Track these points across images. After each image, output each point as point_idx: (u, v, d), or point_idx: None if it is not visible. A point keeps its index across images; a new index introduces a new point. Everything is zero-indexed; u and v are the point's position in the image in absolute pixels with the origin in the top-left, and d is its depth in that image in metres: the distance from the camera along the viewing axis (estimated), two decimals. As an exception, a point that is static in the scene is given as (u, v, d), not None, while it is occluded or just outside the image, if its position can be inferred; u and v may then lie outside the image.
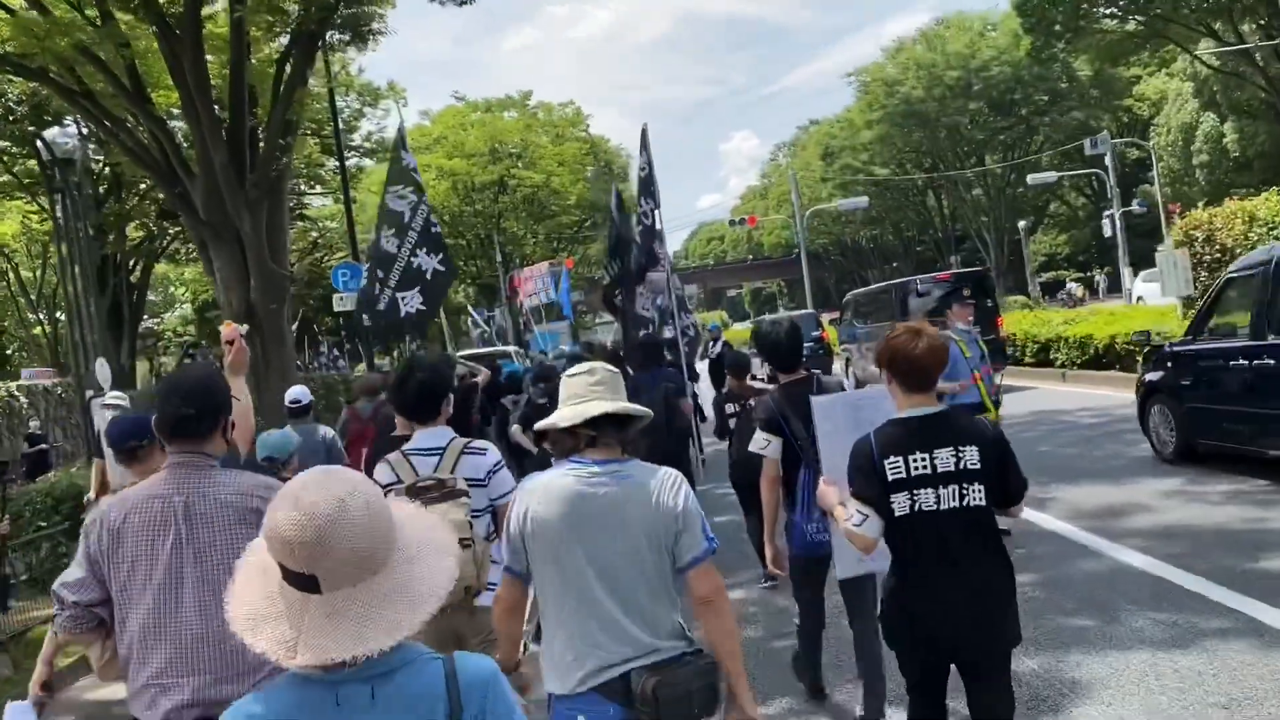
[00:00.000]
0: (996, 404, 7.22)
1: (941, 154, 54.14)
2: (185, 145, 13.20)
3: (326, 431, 7.79)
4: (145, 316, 38.13)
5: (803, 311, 28.91)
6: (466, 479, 3.59)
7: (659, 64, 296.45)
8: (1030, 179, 37.84)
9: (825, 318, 24.80)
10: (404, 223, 8.73)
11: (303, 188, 27.36)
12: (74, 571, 2.72)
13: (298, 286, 35.31)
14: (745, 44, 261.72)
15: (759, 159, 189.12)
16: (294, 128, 13.35)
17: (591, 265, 62.23)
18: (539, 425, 2.81)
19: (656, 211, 10.33)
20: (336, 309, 18.18)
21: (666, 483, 2.66)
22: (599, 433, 2.65)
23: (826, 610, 4.70)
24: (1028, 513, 5.49)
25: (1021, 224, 48.66)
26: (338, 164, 26.15)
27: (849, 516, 3.09)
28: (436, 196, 42.40)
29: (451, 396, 3.93)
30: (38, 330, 35.51)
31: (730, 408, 7.22)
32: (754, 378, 7.64)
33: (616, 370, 2.83)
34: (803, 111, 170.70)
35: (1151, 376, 9.48)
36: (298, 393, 7.84)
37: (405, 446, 3.75)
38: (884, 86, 51.97)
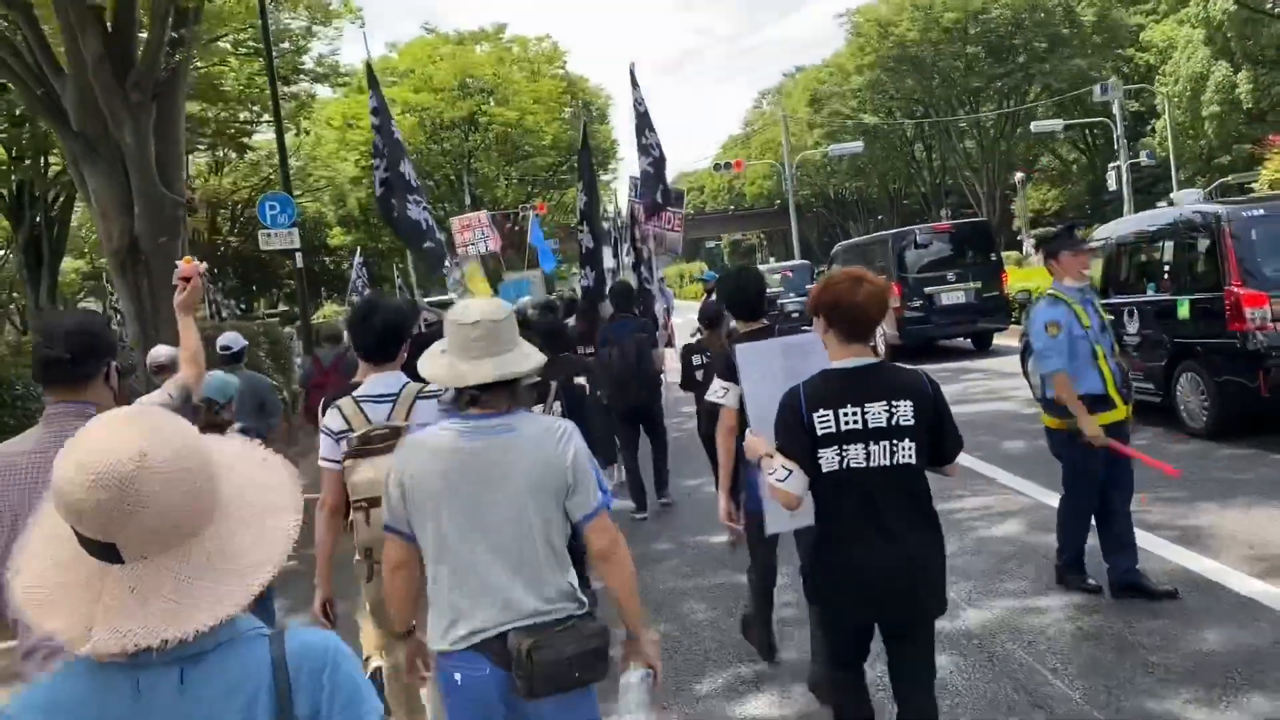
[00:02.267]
0: (1126, 398, 5.18)
1: (934, 102, 51.94)
2: (55, 41, 10.87)
3: (260, 380, 7.78)
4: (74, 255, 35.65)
5: (796, 263, 26.83)
6: (421, 424, 3.20)
7: (640, 12, 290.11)
8: (1034, 126, 35.77)
9: (819, 270, 22.73)
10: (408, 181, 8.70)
11: (243, 115, 24.87)
12: None
13: (243, 227, 33.28)
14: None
15: (739, 113, 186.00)
16: (192, 15, 11.03)
17: (568, 212, 59.99)
18: (424, 373, 2.67)
19: (659, 144, 10.15)
20: (264, 247, 16.05)
21: (553, 435, 2.56)
22: (480, 392, 2.54)
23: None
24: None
25: (1018, 175, 46.63)
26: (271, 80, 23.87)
27: (773, 471, 2.96)
28: (402, 132, 39.88)
29: (407, 341, 3.70)
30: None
31: (697, 359, 7.10)
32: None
33: (504, 315, 2.61)
34: (790, 62, 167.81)
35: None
36: (229, 339, 7.65)
37: (357, 392, 3.58)
38: (877, 28, 49.51)
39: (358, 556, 3.52)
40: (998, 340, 16.28)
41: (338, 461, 3.47)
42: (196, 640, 1.28)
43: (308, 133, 28.70)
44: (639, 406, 7.77)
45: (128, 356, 11.07)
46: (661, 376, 8.26)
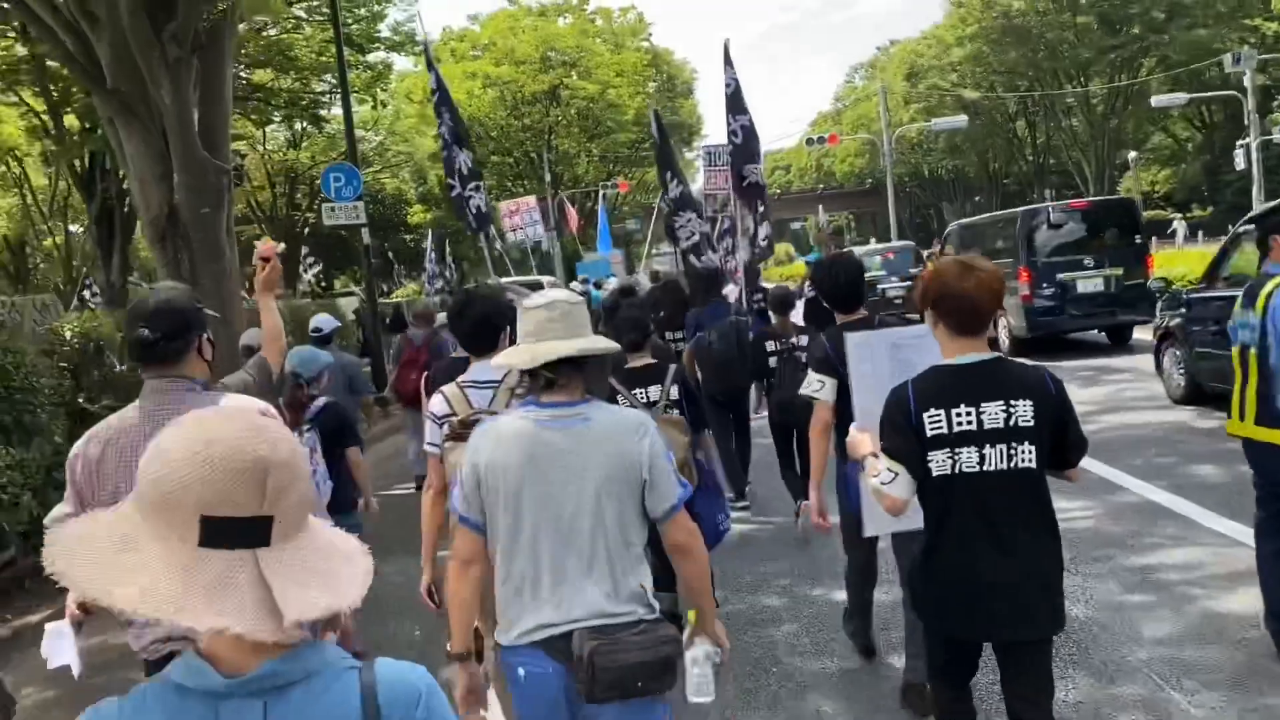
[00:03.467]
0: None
1: (1039, 76, 48.97)
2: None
3: (350, 359, 7.97)
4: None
5: (899, 244, 24.91)
6: None
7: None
8: (1154, 100, 32.97)
9: (927, 253, 20.87)
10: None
11: (318, 87, 23.92)
12: (63, 507, 2.70)
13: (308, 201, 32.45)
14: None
15: (827, 89, 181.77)
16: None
17: (650, 191, 58.53)
18: (495, 361, 2.85)
19: (750, 125, 9.75)
20: (327, 222, 14.95)
21: (632, 427, 2.51)
22: (556, 374, 2.51)
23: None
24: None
25: (1132, 155, 43.69)
26: (348, 52, 22.85)
27: (877, 473, 2.78)
28: (483, 107, 38.85)
29: (506, 330, 3.62)
30: (48, 243, 32.87)
31: (770, 346, 6.94)
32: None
33: (578, 300, 2.65)
34: (877, 36, 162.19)
35: (1168, 322, 9.90)
36: (320, 320, 7.85)
37: (461, 378, 3.59)
38: (981, -3, 46.75)
39: (443, 553, 3.33)
40: (1137, 334, 14.35)
41: (439, 446, 3.45)
42: (279, 666, 1.19)
43: (384, 105, 27.64)
44: (734, 392, 7.43)
45: None
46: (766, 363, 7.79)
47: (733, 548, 6.15)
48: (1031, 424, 2.68)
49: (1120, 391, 10.84)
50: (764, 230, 9.57)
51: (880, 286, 19.67)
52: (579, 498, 2.44)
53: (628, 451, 2.46)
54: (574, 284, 22.73)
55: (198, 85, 9.74)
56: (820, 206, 52.43)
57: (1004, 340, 14.61)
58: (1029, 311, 13.66)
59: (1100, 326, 14.41)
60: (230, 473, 1.14)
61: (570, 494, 2.44)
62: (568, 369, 2.50)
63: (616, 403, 4.28)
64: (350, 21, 23.15)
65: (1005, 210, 18.78)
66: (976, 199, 68.73)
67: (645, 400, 4.70)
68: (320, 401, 5.04)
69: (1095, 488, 6.90)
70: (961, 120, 35.72)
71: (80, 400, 7.92)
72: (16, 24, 13.50)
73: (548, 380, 2.51)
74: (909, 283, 20.86)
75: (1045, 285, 13.60)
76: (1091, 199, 17.86)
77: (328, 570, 1.21)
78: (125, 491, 2.14)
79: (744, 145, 9.69)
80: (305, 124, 28.67)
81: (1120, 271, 13.58)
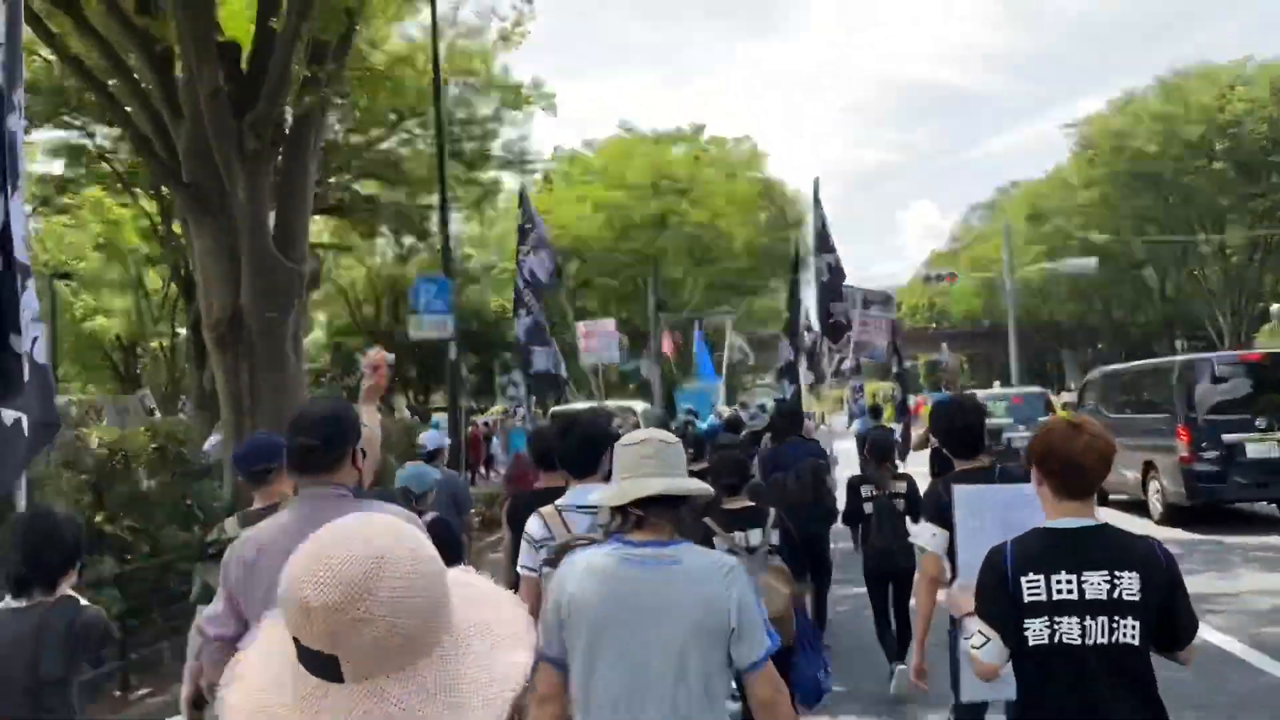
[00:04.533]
0: None
1: (1171, 222, 46.87)
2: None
3: (455, 476, 7.94)
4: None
5: (1027, 389, 23.12)
6: None
7: (843, 126, 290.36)
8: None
9: (1059, 400, 19.09)
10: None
11: (427, 200, 23.85)
12: (215, 605, 2.77)
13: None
14: (933, 112, 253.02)
15: (937, 229, 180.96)
16: (332, 51, 9.18)
17: (756, 322, 57.62)
18: (591, 499, 2.91)
19: (836, 264, 9.94)
20: (413, 334, 14.21)
21: (720, 572, 2.46)
22: (646, 512, 2.50)
23: None
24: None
25: (1275, 307, 40.93)
26: (458, 168, 22.74)
27: (969, 635, 2.69)
28: (591, 230, 38.78)
29: (608, 453, 3.51)
30: (155, 345, 33.44)
31: (866, 490, 6.79)
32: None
33: (674, 440, 2.65)
34: (988, 183, 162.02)
35: None
36: (427, 437, 7.92)
37: (560, 501, 3.61)
38: (1111, 139, 45.33)
39: None
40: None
41: (535, 569, 3.42)
42: None
43: (493, 223, 27.58)
44: (811, 537, 6.91)
45: (202, 455, 9.28)
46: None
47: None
48: (1137, 598, 2.55)
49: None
50: (848, 363, 10.28)
51: (1006, 435, 17.94)
52: (661, 643, 2.37)
53: (715, 597, 2.40)
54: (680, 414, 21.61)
55: (277, 181, 9.11)
56: (945, 345, 50.85)
57: (1157, 507, 12.75)
58: (1188, 476, 11.85)
59: (1274, 499, 12.45)
60: (284, 603, 1.14)
61: (652, 639, 2.37)
62: (658, 508, 2.48)
63: (712, 545, 4.08)
64: (462, 138, 23.16)
65: (1158, 359, 16.99)
66: (1099, 346, 65.84)
67: (745, 545, 4.46)
68: (428, 516, 4.93)
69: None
70: (1091, 263, 33.95)
71: (99, 520, 7.00)
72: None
73: (638, 518, 2.49)
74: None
75: (1208, 447, 11.80)
76: (1265, 350, 15.83)
77: (426, 716, 1.12)
78: (276, 594, 2.13)
79: (830, 283, 10.00)
80: (413, 239, 28.80)
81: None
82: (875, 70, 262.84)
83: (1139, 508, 13.42)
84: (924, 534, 3.96)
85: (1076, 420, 2.77)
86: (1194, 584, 9.46)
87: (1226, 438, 11.74)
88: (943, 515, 3.83)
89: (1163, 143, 43.61)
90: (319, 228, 29.61)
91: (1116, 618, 2.54)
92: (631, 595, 2.40)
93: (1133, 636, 2.54)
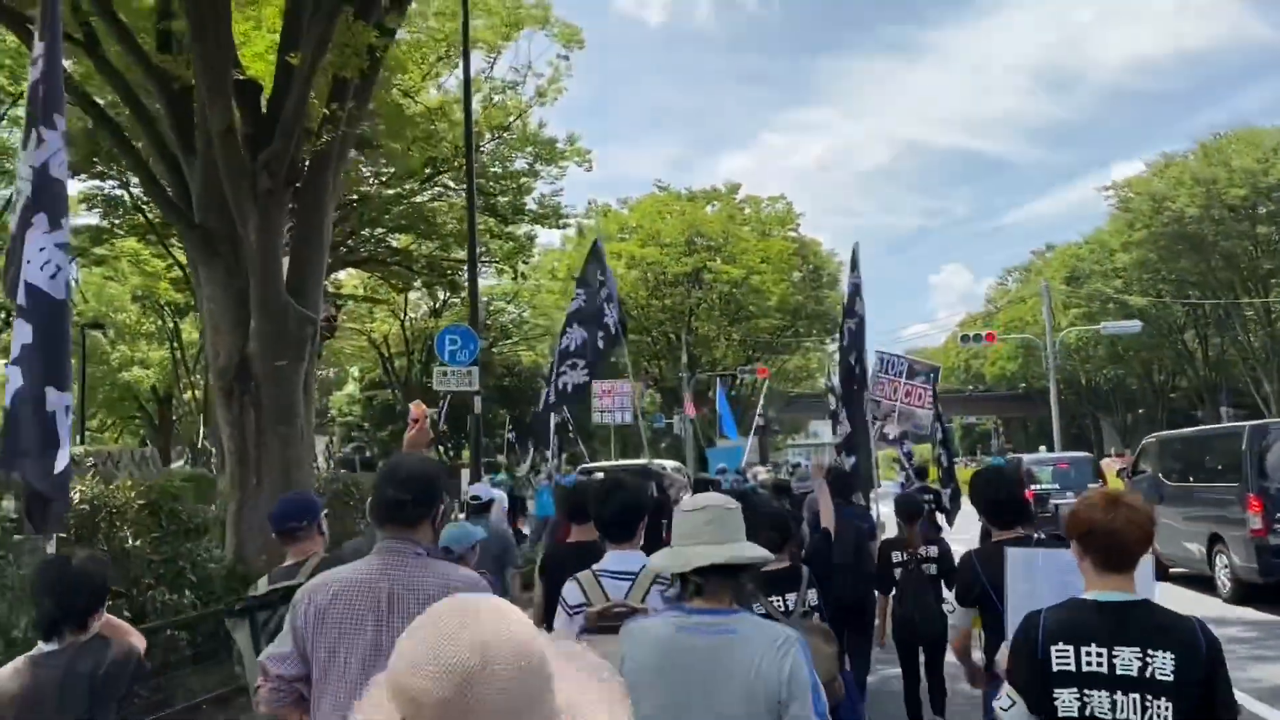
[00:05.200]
0: None
1: (1213, 285, 45.90)
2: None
3: (504, 531, 7.94)
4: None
5: (1073, 454, 22.25)
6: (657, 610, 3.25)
7: (875, 192, 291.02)
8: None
9: (1110, 465, 18.22)
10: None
11: (457, 253, 23.59)
12: (281, 645, 2.76)
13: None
14: (966, 178, 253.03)
15: (969, 294, 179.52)
16: (353, 89, 8.78)
17: (789, 380, 56.88)
18: (652, 563, 2.79)
19: (856, 329, 10.11)
20: (437, 386, 13.72)
21: (774, 643, 2.44)
22: (705, 580, 2.49)
23: None
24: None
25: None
26: (491, 222, 22.46)
27: (998, 696, 2.72)
28: (625, 287, 38.41)
29: (645, 519, 3.73)
30: (189, 395, 33.31)
31: (896, 556, 6.63)
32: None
33: (734, 505, 2.64)
34: (1021, 248, 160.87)
35: None
36: (479, 489, 8.04)
37: (597, 566, 3.55)
38: (1150, 202, 44.61)
39: None
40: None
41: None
42: None
43: (525, 277, 27.27)
44: (852, 604, 6.70)
45: (199, 512, 8.74)
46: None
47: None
48: (1170, 679, 2.47)
49: None
50: (890, 429, 10.64)
51: (1053, 502, 17.09)
52: (716, 713, 2.39)
53: (768, 668, 2.39)
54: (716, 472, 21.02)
55: (292, 225, 8.70)
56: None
57: (1225, 583, 11.87)
58: (1262, 550, 11.00)
59: (1353, 576, 11.55)
60: (396, 688, 1.16)
61: (708, 708, 2.39)
62: (717, 577, 2.48)
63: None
64: (495, 192, 22.94)
65: (1224, 424, 16.13)
66: (1140, 411, 64.41)
67: (783, 608, 4.30)
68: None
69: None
70: (1135, 325, 33.06)
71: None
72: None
73: (697, 586, 2.49)
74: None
75: (1283, 519, 10.98)
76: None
77: None
78: (344, 644, 2.62)
79: (848, 348, 10.06)
80: (446, 292, 28.54)
81: None
82: (907, 138, 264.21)
83: (1204, 583, 12.53)
84: (950, 604, 4.06)
85: (1114, 494, 2.75)
86: (1277, 671, 8.22)
87: (1302, 509, 10.90)
88: (969, 592, 3.94)
89: (1204, 205, 42.82)
90: (353, 280, 29.51)
91: (1150, 697, 2.48)
92: (687, 663, 2.41)
93: (1166, 718, 2.47)
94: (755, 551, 2.55)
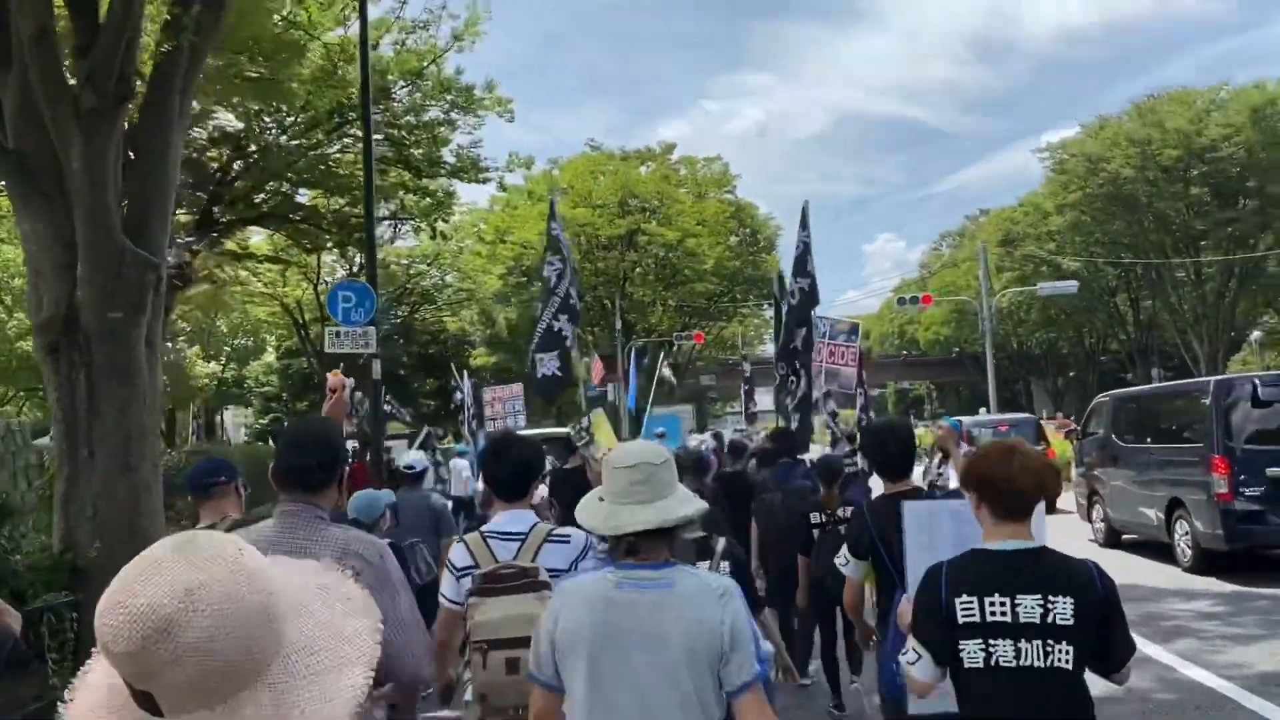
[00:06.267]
0: None
1: (1146, 248, 46.00)
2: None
3: (438, 500, 7.88)
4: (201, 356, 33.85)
5: (1015, 416, 21.58)
6: (549, 569, 3.23)
7: (812, 160, 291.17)
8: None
9: (1052, 428, 17.54)
10: (550, 288, 8.38)
11: (382, 210, 22.02)
12: None
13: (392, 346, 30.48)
14: (901, 146, 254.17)
15: (902, 262, 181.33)
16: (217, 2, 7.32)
17: (726, 348, 56.05)
18: (580, 519, 2.61)
19: (809, 289, 10.01)
20: (329, 349, 12.38)
21: (714, 594, 2.42)
22: (638, 538, 2.45)
23: None
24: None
25: (1255, 334, 40.04)
26: (405, 176, 21.00)
27: (904, 650, 2.77)
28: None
29: (539, 478, 3.82)
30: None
31: (815, 517, 6.50)
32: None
33: (664, 458, 2.56)
34: (955, 215, 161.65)
35: None
36: (414, 459, 8.14)
37: (485, 528, 3.53)
38: (1085, 164, 44.42)
39: (467, 697, 3.29)
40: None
41: (457, 602, 3.32)
42: None
43: (446, 237, 25.71)
44: (795, 564, 6.72)
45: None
46: None
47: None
48: (1071, 623, 2.56)
49: None
50: (817, 392, 10.36)
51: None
52: (657, 666, 2.35)
53: (708, 620, 2.36)
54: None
55: (131, 157, 7.31)
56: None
57: (1185, 551, 11.11)
58: (1228, 516, 10.22)
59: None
60: (103, 649, 1.12)
61: (649, 662, 2.36)
62: (651, 533, 2.44)
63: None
64: (410, 143, 21.48)
65: (1184, 380, 15.39)
66: (1071, 374, 65.06)
67: None
68: (386, 542, 4.69)
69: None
70: (1072, 285, 32.63)
71: None
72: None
73: (630, 545, 2.45)
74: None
75: (1251, 482, 10.20)
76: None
77: None
78: None
79: (798, 308, 9.85)
80: (360, 254, 26.90)
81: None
82: (844, 105, 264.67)
83: (1161, 551, 11.77)
84: (840, 557, 4.11)
85: (1010, 445, 2.81)
86: (1258, 654, 7.05)
87: (1273, 471, 10.12)
88: (861, 545, 3.96)
89: (1139, 166, 42.75)
90: (264, 241, 27.70)
91: (1051, 642, 2.54)
92: (625, 620, 2.38)
93: (1066, 661, 2.55)
94: (687, 508, 2.48)
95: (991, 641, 2.56)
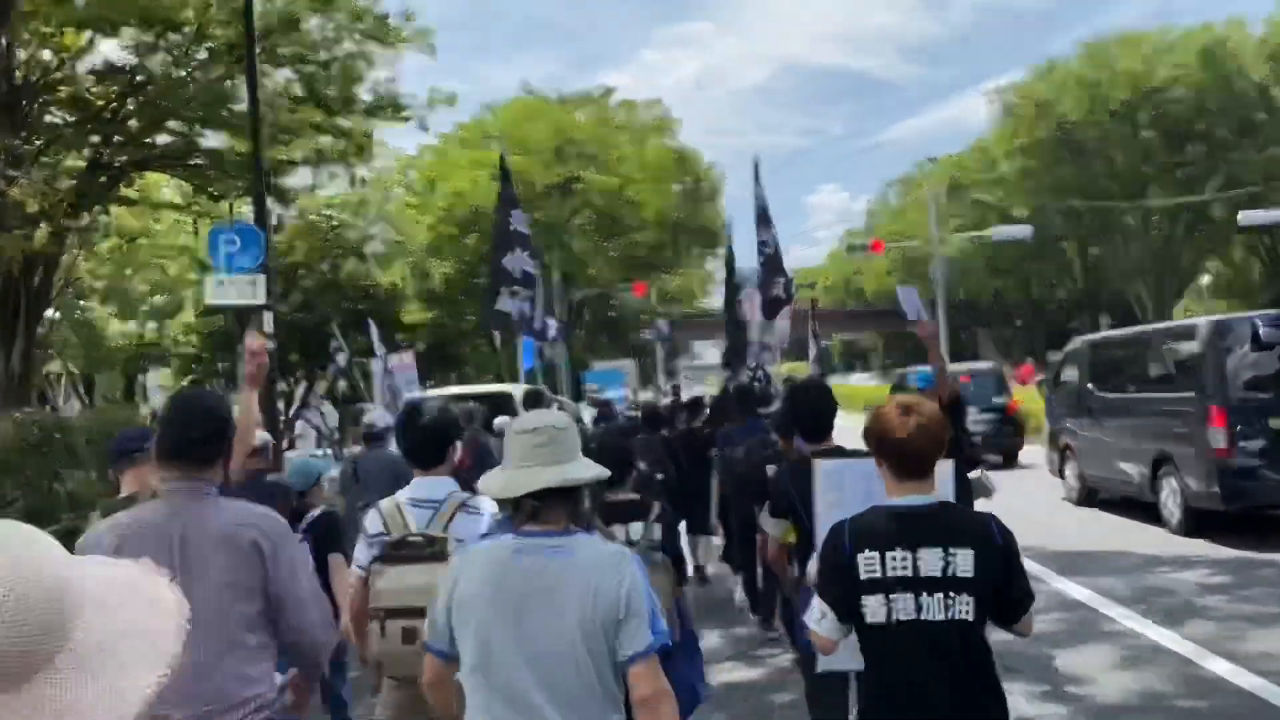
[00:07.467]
0: None
1: (1094, 193, 45.38)
2: None
3: (400, 461, 7.16)
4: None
5: (975, 366, 20.55)
6: (459, 540, 3.20)
7: (753, 111, 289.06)
8: (1242, 218, 28.75)
9: (1016, 377, 16.46)
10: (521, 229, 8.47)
11: (284, 154, 20.22)
12: None
13: (304, 294, 28.61)
14: (843, 96, 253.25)
15: (847, 213, 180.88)
16: None
17: (669, 300, 54.72)
18: (481, 486, 2.61)
19: (775, 240, 10.33)
20: (212, 300, 10.83)
21: (610, 561, 2.40)
22: (539, 503, 2.43)
23: None
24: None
25: (1205, 279, 39.68)
26: (318, 116, 19.27)
27: (809, 609, 2.79)
28: (489, 198, 35.34)
29: (455, 445, 3.71)
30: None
31: (770, 469, 6.28)
32: None
33: (567, 424, 2.55)
34: (900, 165, 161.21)
35: None
36: (376, 417, 7.92)
37: (401, 494, 3.50)
38: (1034, 107, 43.54)
39: (365, 664, 3.36)
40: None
41: (364, 567, 3.34)
42: None
43: (364, 182, 23.92)
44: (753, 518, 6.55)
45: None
46: None
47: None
48: (971, 575, 2.57)
49: None
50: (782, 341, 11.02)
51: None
52: (554, 634, 2.32)
53: (606, 588, 2.33)
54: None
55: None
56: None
57: (1173, 511, 10.04)
58: (1225, 473, 9.14)
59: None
60: None
61: (545, 629, 2.32)
62: (552, 498, 2.43)
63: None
64: (322, 80, 19.71)
65: (1171, 322, 14.28)
66: (1018, 323, 64.93)
67: (626, 539, 3.99)
68: (315, 511, 4.81)
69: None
70: (1025, 230, 31.60)
71: None
72: None
73: (532, 510, 2.44)
74: (991, 417, 16.43)
75: (1251, 434, 9.12)
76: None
77: None
78: None
79: (773, 259, 10.17)
80: (275, 203, 25.00)
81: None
82: (785, 56, 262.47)
83: (1145, 511, 10.70)
84: (763, 516, 4.24)
85: (907, 402, 2.78)
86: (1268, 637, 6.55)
87: (1274, 423, 9.05)
88: (780, 504, 4.06)
89: (1088, 109, 41.96)
90: (171, 189, 25.62)
91: (952, 594, 2.55)
92: (522, 586, 2.35)
93: (967, 613, 2.56)
94: (588, 471, 2.47)
95: (892, 596, 2.56)
